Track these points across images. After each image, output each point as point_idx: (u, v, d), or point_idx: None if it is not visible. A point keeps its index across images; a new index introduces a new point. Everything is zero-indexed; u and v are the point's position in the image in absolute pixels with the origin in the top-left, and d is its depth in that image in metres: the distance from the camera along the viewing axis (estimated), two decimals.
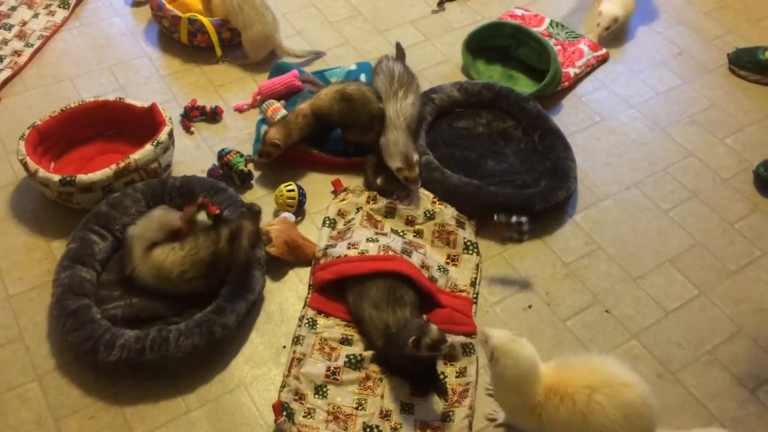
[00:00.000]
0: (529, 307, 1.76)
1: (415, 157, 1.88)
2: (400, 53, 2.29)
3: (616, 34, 2.50)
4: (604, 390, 1.32)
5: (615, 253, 1.89)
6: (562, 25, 2.52)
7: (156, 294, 1.68)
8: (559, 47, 2.40)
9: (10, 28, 2.37)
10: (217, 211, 1.78)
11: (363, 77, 2.25)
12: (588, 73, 2.39)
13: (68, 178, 1.76)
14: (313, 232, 1.90)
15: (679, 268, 1.87)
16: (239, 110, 2.20)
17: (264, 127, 2.04)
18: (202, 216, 1.78)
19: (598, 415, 1.31)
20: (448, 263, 1.82)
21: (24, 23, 2.39)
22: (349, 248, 1.78)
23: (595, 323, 1.74)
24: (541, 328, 1.72)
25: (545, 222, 1.92)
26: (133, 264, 1.66)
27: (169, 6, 2.30)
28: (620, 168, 2.11)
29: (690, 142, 2.19)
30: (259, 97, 2.20)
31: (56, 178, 1.76)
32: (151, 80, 2.27)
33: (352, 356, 1.63)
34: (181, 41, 2.34)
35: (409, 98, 2.00)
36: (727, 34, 2.57)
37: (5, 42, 2.32)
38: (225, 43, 2.35)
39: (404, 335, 1.50)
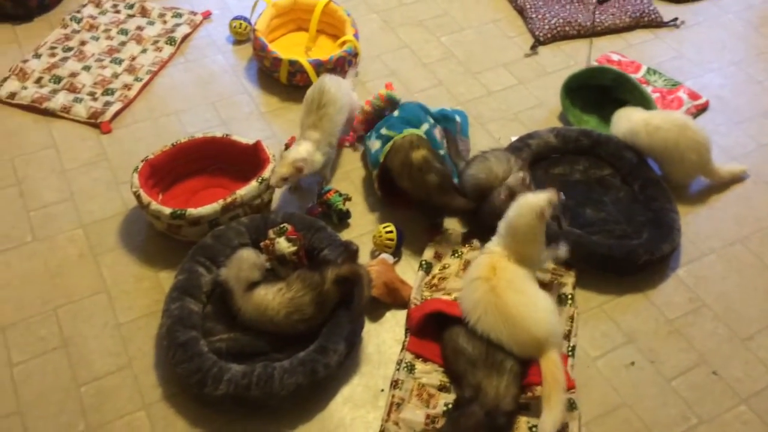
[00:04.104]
0: (632, 363, 1.72)
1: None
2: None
3: None
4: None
5: (721, 311, 1.83)
6: (660, 73, 2.49)
7: (260, 331, 1.71)
8: (657, 95, 2.37)
9: (120, 62, 2.49)
10: (295, 237, 1.81)
11: (457, 117, 2.26)
12: None
13: (179, 212, 1.82)
14: (408, 274, 1.91)
15: None
16: (341, 144, 2.23)
17: (371, 141, 2.07)
18: (282, 243, 1.81)
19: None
20: None
21: (133, 58, 2.51)
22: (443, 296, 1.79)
23: (702, 385, 1.68)
24: (645, 388, 1.67)
25: (647, 274, 1.88)
26: (237, 305, 1.70)
27: (271, 48, 2.37)
28: (723, 222, 2.05)
29: None
30: (358, 127, 2.24)
31: (167, 211, 1.83)
32: (251, 117, 2.34)
33: (450, 404, 1.61)
34: (280, 80, 2.41)
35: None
36: None
37: (116, 76, 2.44)
38: None
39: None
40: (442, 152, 2.02)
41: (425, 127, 2.05)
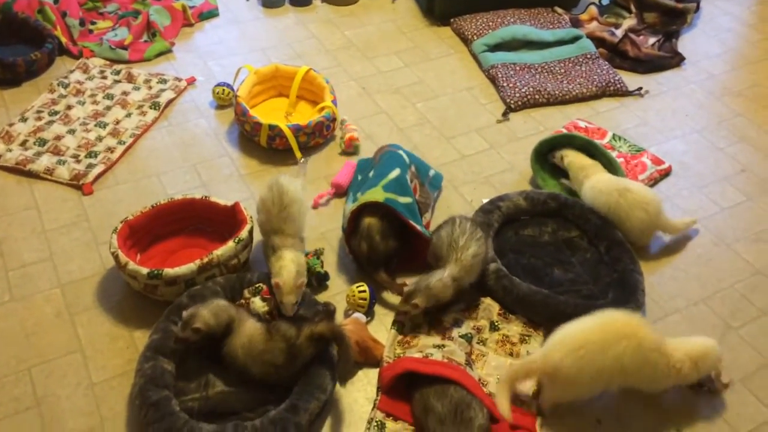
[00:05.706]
0: (598, 422, 1.75)
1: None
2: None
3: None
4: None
5: None
6: (625, 139, 2.60)
7: (235, 374, 1.73)
8: (621, 159, 2.48)
9: (104, 126, 2.56)
10: (269, 297, 1.87)
11: (431, 172, 2.36)
12: (651, 187, 2.43)
13: (155, 272, 1.86)
14: (381, 333, 1.94)
15: (750, 388, 1.84)
16: (315, 206, 2.30)
17: (348, 205, 2.15)
18: (257, 302, 1.85)
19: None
20: None
21: (118, 122, 2.59)
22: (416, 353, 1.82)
23: None
24: None
25: None
26: (232, 330, 1.74)
27: (252, 113, 2.46)
28: (687, 283, 2.12)
29: (757, 260, 2.20)
30: (334, 191, 2.33)
31: (144, 271, 1.86)
32: (231, 179, 2.41)
33: None
34: (260, 144, 2.49)
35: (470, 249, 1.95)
36: None
37: (100, 139, 2.51)
38: (301, 146, 2.49)
39: None
40: (410, 200, 2.09)
41: (396, 173, 2.13)
